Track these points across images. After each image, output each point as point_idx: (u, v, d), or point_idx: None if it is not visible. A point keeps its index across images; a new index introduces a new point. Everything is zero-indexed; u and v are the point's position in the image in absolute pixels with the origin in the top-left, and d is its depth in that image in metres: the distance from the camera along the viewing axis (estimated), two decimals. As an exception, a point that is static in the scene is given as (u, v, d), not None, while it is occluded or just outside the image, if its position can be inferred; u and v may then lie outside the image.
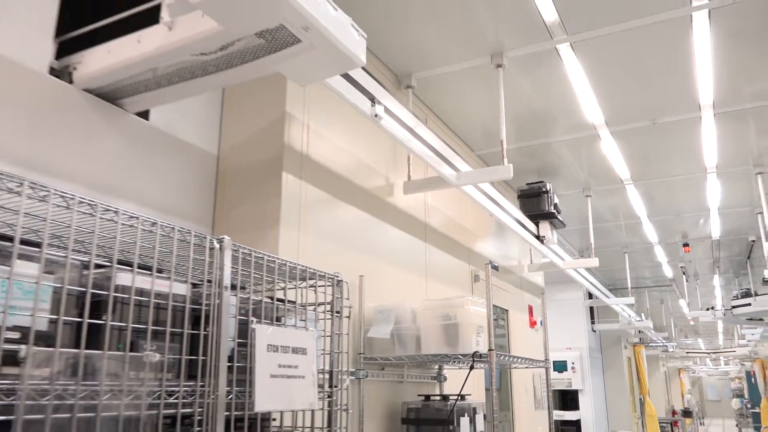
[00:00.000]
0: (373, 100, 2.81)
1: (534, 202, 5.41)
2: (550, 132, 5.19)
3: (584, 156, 5.71)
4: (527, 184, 5.52)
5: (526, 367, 4.32)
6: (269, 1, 1.77)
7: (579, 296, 10.57)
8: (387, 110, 2.94)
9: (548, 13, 3.51)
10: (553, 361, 9.94)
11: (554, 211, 5.37)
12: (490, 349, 3.00)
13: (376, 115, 2.80)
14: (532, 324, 6.46)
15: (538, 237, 5.38)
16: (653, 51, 3.92)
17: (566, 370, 10.05)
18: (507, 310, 5.79)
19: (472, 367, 3.20)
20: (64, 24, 2.34)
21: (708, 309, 10.10)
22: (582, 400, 9.98)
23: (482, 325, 3.18)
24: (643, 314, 11.73)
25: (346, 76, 2.64)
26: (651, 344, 14.66)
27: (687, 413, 17.20)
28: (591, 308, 11.28)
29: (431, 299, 3.40)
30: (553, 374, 9.95)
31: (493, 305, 3.10)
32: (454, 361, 3.34)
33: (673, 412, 17.32)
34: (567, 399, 10.05)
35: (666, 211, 7.39)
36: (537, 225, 5.42)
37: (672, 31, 3.70)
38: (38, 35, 2.21)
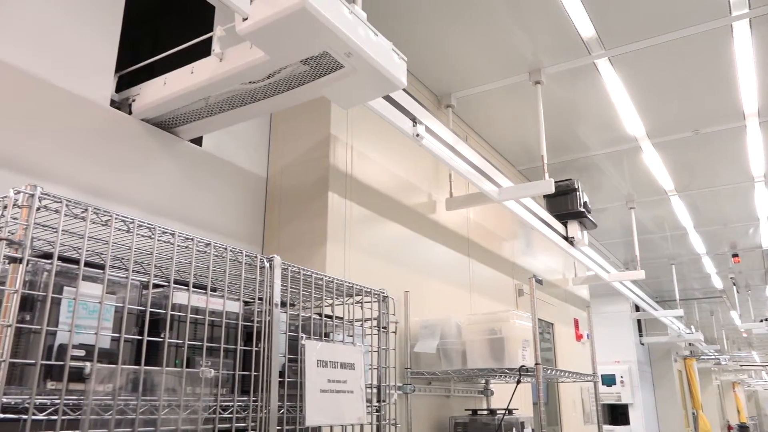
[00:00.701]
0: (414, 120, 2.87)
1: (562, 201, 4.97)
2: (591, 145, 5.15)
3: (626, 168, 5.64)
4: (555, 182, 5.11)
5: (574, 381, 4.27)
6: (313, 30, 1.85)
7: (626, 309, 10.34)
8: (428, 129, 2.99)
9: (585, 30, 3.52)
10: (601, 375, 9.73)
11: (584, 209, 4.92)
12: (536, 363, 2.99)
13: (417, 135, 2.86)
14: (579, 337, 6.37)
15: (567, 238, 5.03)
16: (693, 62, 3.88)
17: (615, 383, 9.82)
18: (552, 324, 5.72)
19: (518, 381, 3.19)
20: (123, 59, 2.48)
21: (762, 320, 9.74)
22: (632, 414, 9.72)
23: (528, 339, 3.17)
24: (692, 326, 11.39)
25: (388, 98, 2.71)
26: (702, 357, 14.18)
27: (743, 428, 16.53)
28: (639, 321, 11.02)
29: (476, 314, 3.42)
30: (602, 388, 9.74)
31: (539, 319, 3.09)
32: (501, 375, 3.34)
33: (729, 427, 16.66)
34: (617, 413, 9.81)
35: (713, 221, 7.21)
36: (565, 226, 5.04)
37: (712, 41, 3.66)
38: (100, 71, 2.35)
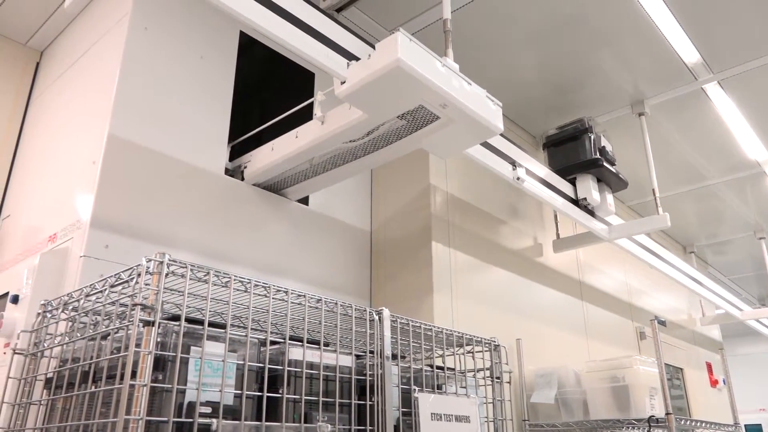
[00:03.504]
0: (513, 163, 2.85)
1: (568, 151, 3.47)
2: (707, 175, 4.84)
3: (750, 196, 5.23)
4: (558, 127, 3.63)
5: (712, 433, 3.89)
6: (408, 87, 1.91)
7: (767, 350, 9.40)
8: (528, 172, 2.95)
9: (689, 55, 3.37)
10: (745, 425, 8.81)
11: (599, 157, 3.38)
12: (667, 413, 2.77)
13: (518, 178, 2.83)
14: (714, 383, 5.84)
15: (576, 202, 3.41)
16: (818, 75, 3.60)
17: (762, 435, 8.87)
18: (681, 369, 5.30)
19: (648, 433, 2.97)
20: (234, 130, 2.68)
21: None
22: (787, 470, 8.69)
23: (655, 386, 2.96)
24: None
25: (486, 144, 2.71)
26: None
27: None
28: (783, 363, 9.95)
29: (595, 360, 3.25)
30: (747, 440, 8.81)
31: (666, 364, 2.88)
32: (628, 427, 3.11)
33: None
34: (768, 469, 8.81)
35: None
36: (573, 184, 3.45)
37: (837, 51, 3.38)
38: (215, 143, 2.55)
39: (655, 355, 2.94)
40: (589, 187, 3.37)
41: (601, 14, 3.11)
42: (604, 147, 3.46)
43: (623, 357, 3.04)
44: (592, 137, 3.45)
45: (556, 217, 4.03)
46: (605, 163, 3.39)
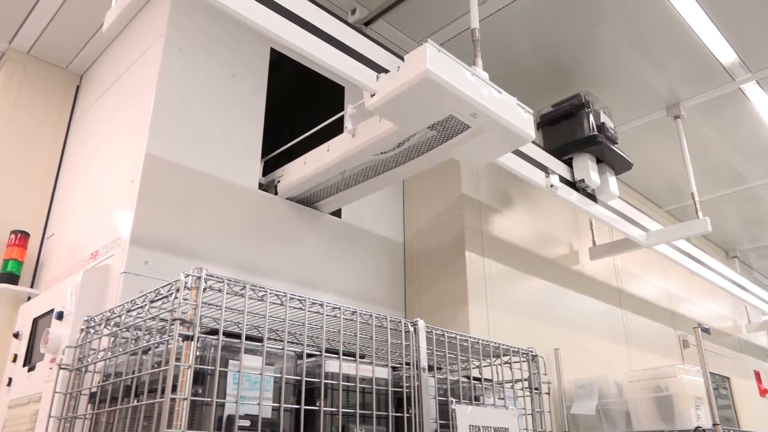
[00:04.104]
0: (546, 171, 2.82)
1: (564, 129, 3.11)
2: (749, 177, 4.71)
3: (796, 197, 5.07)
4: (554, 105, 3.27)
5: (763, 444, 3.76)
6: (437, 97, 1.91)
7: (818, 357, 9.04)
8: (562, 179, 2.92)
9: (725, 55, 3.30)
10: (797, 436, 8.46)
11: (597, 134, 3.02)
12: (714, 424, 2.69)
13: (551, 186, 2.79)
14: (763, 392, 5.64)
15: (574, 185, 3.05)
16: None
17: (816, 446, 8.50)
18: (728, 378, 5.14)
19: (694, 445, 2.88)
20: (267, 145, 2.71)
21: None
22: (844, 483, 8.30)
23: (700, 396, 2.87)
24: None
25: (517, 152, 2.69)
26: None
27: None
28: (837, 370, 9.55)
29: (637, 370, 3.17)
30: (800, 452, 8.45)
31: (711, 373, 2.80)
32: (673, 438, 3.03)
33: None
34: (823, 482, 8.43)
35: None
36: (570, 165, 3.09)
37: None
38: (249, 159, 2.59)
39: (700, 363, 2.86)
40: (587, 167, 3.01)
41: (633, 17, 3.07)
42: (603, 123, 3.11)
43: (666, 366, 2.97)
44: (590, 113, 3.09)
45: (591, 223, 3.97)
46: (605, 141, 3.02)
